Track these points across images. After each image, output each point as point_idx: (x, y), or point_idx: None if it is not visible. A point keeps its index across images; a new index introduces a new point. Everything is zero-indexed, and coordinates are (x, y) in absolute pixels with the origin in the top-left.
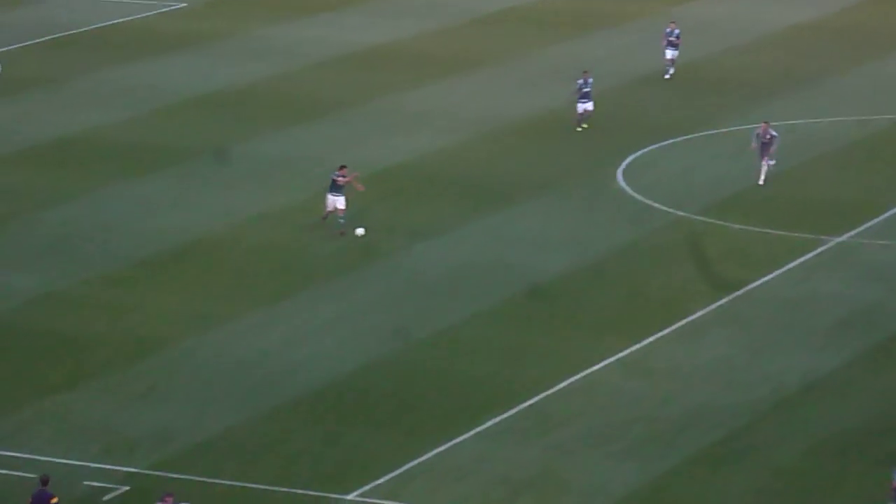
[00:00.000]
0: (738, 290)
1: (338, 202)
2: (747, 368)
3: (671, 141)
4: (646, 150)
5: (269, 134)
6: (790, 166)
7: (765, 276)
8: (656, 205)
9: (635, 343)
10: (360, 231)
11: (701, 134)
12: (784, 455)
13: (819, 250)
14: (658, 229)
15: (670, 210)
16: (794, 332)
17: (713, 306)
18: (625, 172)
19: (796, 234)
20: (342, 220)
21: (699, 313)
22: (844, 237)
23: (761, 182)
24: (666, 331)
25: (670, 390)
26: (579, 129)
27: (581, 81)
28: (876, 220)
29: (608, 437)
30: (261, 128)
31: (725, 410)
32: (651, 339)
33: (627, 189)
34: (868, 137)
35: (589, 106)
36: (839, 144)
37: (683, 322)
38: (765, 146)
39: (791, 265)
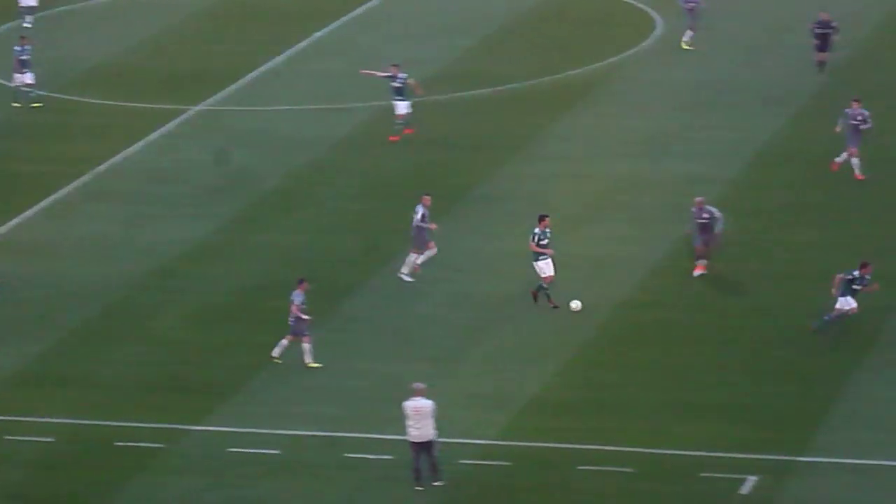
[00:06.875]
0: (102, 164)
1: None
2: (122, 242)
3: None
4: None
5: None
6: None
7: (129, 149)
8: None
9: (3, 223)
10: (576, 304)
11: (51, 11)
12: (162, 325)
13: (180, 119)
14: (19, 112)
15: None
16: (164, 202)
17: (79, 182)
18: None
19: (156, 106)
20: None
21: (66, 190)
22: (203, 105)
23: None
24: (34, 209)
25: (41, 269)
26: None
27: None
28: (234, 87)
29: None
30: None
31: (100, 284)
32: (18, 218)
33: None
34: (212, 7)
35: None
36: (190, 12)
37: (52, 199)
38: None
39: (154, 136)
